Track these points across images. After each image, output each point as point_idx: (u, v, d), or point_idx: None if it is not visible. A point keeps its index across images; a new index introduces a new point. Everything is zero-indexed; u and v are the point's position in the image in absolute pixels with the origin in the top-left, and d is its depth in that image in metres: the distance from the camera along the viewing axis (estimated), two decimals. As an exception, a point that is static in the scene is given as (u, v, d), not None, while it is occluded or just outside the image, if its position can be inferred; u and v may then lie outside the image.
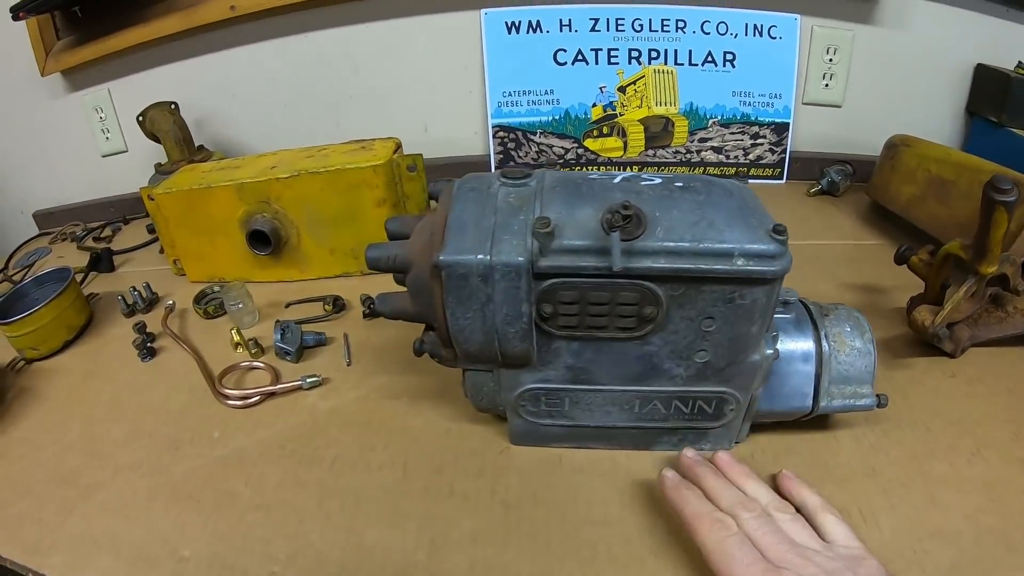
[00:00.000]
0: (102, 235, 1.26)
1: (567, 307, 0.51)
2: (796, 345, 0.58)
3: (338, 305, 0.85)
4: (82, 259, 1.12)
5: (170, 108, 1.17)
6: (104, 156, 1.35)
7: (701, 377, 0.56)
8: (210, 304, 0.90)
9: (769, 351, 0.54)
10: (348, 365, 0.76)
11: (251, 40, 1.19)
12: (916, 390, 0.68)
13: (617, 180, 0.53)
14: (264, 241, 0.90)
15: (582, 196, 0.51)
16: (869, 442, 0.62)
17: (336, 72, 1.20)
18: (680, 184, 0.52)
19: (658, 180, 0.53)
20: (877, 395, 0.59)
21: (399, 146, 0.92)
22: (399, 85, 1.20)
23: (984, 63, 1.19)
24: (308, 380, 0.73)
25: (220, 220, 0.92)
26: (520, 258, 0.48)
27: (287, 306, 0.88)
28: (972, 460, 0.60)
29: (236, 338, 0.81)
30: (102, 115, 1.30)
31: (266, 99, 1.24)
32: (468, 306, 0.51)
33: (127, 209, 1.32)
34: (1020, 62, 1.16)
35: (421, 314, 0.56)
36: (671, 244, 0.48)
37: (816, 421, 0.62)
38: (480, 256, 0.49)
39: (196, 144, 1.20)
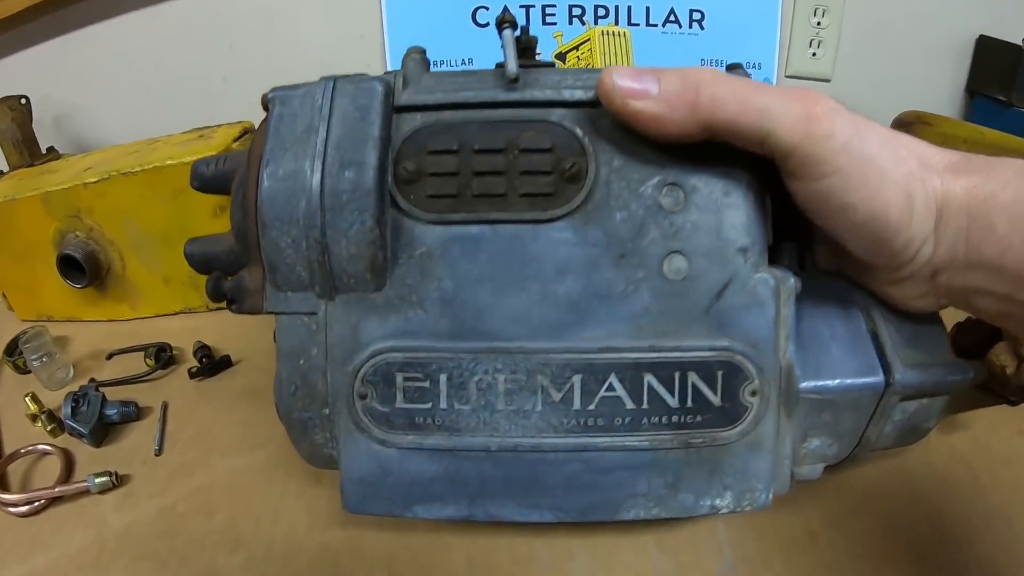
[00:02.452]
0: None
1: (441, 159, 0.33)
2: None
3: (163, 358, 0.59)
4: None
5: (15, 103, 0.91)
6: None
7: (682, 315, 0.32)
8: (20, 356, 0.65)
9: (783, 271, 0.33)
10: (157, 455, 0.51)
11: (107, 15, 0.93)
12: (982, 458, 0.46)
13: None
14: (79, 268, 0.64)
15: None
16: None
17: (207, 50, 0.94)
18: None
19: None
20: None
21: (248, 130, 0.67)
22: (282, 62, 0.94)
23: (987, 35, 1.00)
24: (97, 480, 0.48)
25: (33, 241, 0.67)
26: (377, 82, 0.34)
27: (108, 357, 0.63)
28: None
29: (32, 407, 0.56)
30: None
31: (129, 87, 0.98)
32: (289, 147, 0.33)
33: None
34: (1030, 33, 0.96)
35: (234, 250, 0.38)
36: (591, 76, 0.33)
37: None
38: (321, 83, 0.35)
39: (46, 146, 0.93)
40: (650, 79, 0.30)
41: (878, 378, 0.35)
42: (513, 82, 0.32)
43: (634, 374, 0.32)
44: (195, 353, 0.59)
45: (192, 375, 0.57)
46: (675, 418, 0.33)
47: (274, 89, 0.35)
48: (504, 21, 0.33)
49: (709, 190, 0.32)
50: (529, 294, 0.33)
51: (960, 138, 0.75)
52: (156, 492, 0.48)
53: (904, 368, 0.35)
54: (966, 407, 0.48)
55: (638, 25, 0.89)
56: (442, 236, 0.33)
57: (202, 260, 0.40)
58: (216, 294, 0.38)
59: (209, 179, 0.40)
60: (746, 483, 0.34)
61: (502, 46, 0.33)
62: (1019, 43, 0.95)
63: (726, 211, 0.32)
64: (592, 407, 0.33)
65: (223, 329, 0.62)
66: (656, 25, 0.89)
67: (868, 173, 0.28)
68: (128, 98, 0.99)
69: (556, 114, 0.33)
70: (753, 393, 0.33)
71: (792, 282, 0.33)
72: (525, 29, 0.35)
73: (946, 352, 0.37)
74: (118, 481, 0.49)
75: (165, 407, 0.55)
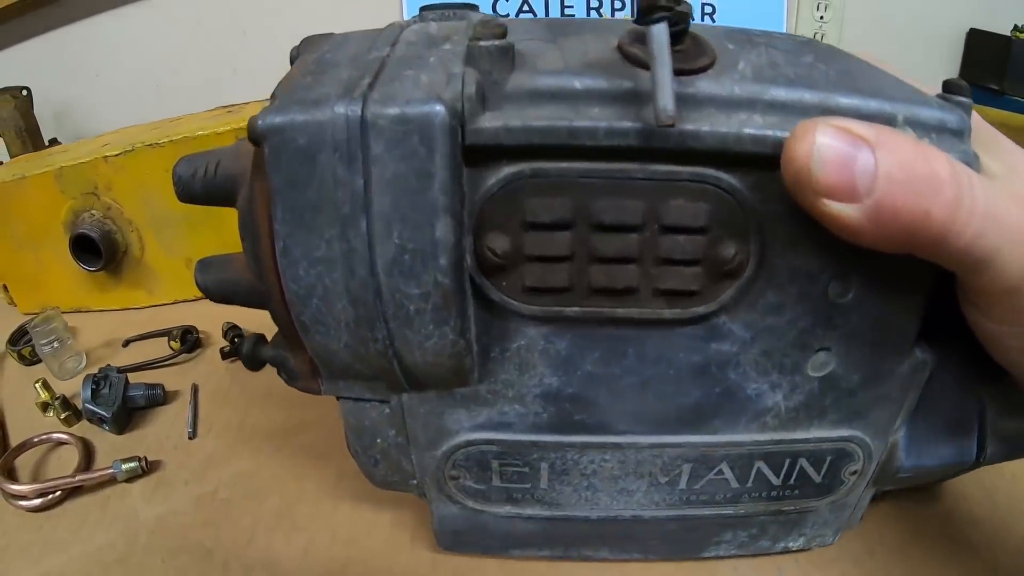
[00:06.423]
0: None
1: (547, 237, 0.22)
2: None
3: (189, 340, 0.53)
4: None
5: (16, 92, 0.84)
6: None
7: (812, 410, 0.27)
8: (26, 346, 0.58)
9: (923, 355, 0.26)
10: (191, 438, 0.45)
11: (112, 4, 0.87)
12: None
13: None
14: (93, 250, 0.58)
15: (572, 27, 0.24)
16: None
17: (218, 38, 0.88)
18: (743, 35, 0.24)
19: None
20: None
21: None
22: (299, 49, 0.88)
23: (977, 28, 1.01)
24: (124, 466, 0.42)
25: (41, 224, 0.60)
26: (437, 106, 0.19)
27: (125, 344, 0.56)
28: None
29: (43, 395, 0.49)
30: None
31: (135, 79, 0.92)
32: (315, 227, 0.21)
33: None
34: (1016, 25, 0.97)
35: (257, 288, 0.26)
36: (781, 93, 0.21)
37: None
38: (339, 108, 0.20)
39: (48, 138, 0.87)
40: (865, 166, 0.18)
41: (971, 459, 0.31)
42: (666, 126, 0.20)
43: (746, 462, 0.29)
44: (225, 334, 0.52)
45: (225, 355, 0.50)
46: (774, 493, 0.30)
47: (264, 111, 0.21)
48: (654, 8, 0.19)
49: (877, 285, 0.24)
50: (648, 396, 0.26)
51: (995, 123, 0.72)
52: (193, 479, 0.42)
53: (996, 443, 0.30)
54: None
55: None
56: (546, 330, 0.25)
57: (220, 295, 0.31)
58: (254, 363, 0.31)
59: (199, 195, 0.27)
60: (820, 530, 0.33)
61: (650, 49, 0.19)
62: (1008, 34, 0.96)
63: (891, 311, 0.25)
64: (697, 487, 0.30)
65: (251, 314, 0.56)
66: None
67: None
68: (134, 91, 0.93)
69: (715, 171, 0.22)
70: (854, 473, 0.30)
71: (927, 373, 0.27)
72: (683, 22, 0.20)
73: None
74: (147, 467, 0.42)
75: (196, 389, 0.48)
